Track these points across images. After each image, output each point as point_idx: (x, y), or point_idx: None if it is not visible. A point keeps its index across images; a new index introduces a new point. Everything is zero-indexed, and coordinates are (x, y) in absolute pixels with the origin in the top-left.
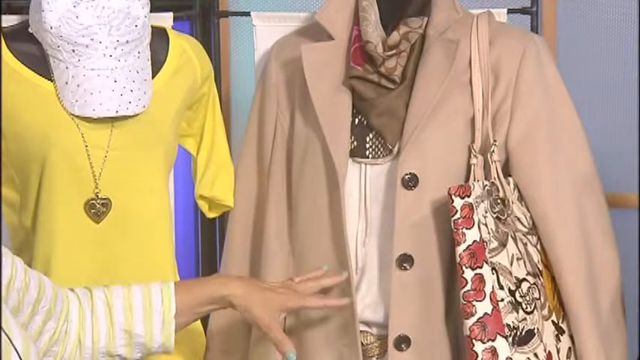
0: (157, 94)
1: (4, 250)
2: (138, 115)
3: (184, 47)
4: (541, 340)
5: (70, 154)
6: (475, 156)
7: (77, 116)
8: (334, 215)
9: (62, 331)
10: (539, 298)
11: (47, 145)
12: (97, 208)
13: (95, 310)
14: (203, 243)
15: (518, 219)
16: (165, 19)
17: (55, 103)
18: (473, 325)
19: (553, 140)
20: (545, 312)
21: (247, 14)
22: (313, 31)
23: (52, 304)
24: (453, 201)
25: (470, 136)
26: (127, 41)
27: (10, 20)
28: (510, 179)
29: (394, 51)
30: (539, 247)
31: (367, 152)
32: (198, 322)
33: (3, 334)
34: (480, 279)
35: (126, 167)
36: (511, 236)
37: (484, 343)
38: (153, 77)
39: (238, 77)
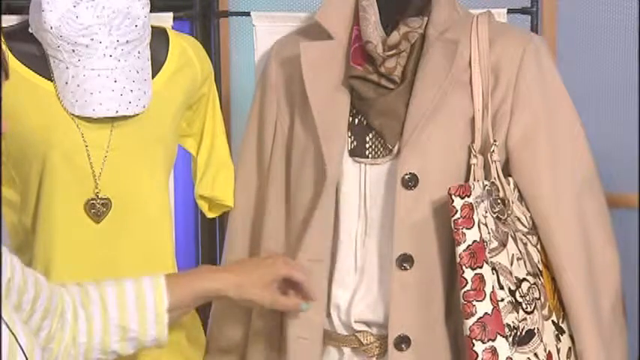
0: (157, 94)
1: (2, 249)
2: (138, 115)
3: (184, 47)
4: (541, 340)
5: (70, 154)
6: (475, 156)
7: (77, 116)
8: (323, 214)
9: (57, 328)
10: (540, 298)
11: (47, 145)
12: (97, 208)
13: (89, 307)
14: (203, 243)
15: (518, 219)
16: (166, 19)
17: (55, 103)
18: (473, 325)
19: (553, 140)
20: (546, 312)
21: (247, 14)
22: (313, 31)
23: (49, 302)
24: (453, 201)
25: (470, 136)
26: (127, 41)
27: (10, 20)
28: (510, 179)
29: (394, 51)
30: (539, 247)
31: (367, 152)
32: (199, 321)
33: (8, 331)
34: (480, 279)
35: (126, 167)
36: (511, 236)
37: (484, 343)
38: (153, 77)
39: (238, 77)
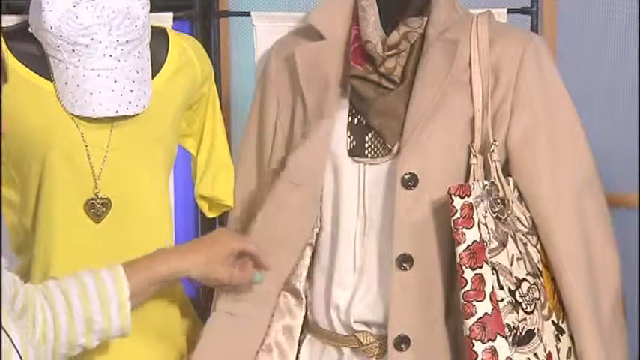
0: (157, 94)
1: None
2: (138, 115)
3: (184, 47)
4: (541, 340)
5: (69, 154)
6: (475, 156)
7: (77, 116)
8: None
9: (30, 327)
10: (539, 298)
11: (47, 145)
12: (97, 208)
13: (55, 306)
14: None
15: (518, 219)
16: (166, 19)
17: (55, 103)
18: (473, 325)
19: (553, 140)
20: (545, 312)
21: (247, 14)
22: (312, 31)
23: (25, 300)
24: (452, 201)
25: (470, 136)
26: (127, 41)
27: (10, 20)
28: (510, 179)
29: (394, 51)
30: (539, 247)
31: (366, 152)
32: (193, 311)
33: (5, 334)
34: (480, 279)
35: (126, 167)
36: (511, 236)
37: (484, 343)
38: (153, 77)
39: (238, 77)
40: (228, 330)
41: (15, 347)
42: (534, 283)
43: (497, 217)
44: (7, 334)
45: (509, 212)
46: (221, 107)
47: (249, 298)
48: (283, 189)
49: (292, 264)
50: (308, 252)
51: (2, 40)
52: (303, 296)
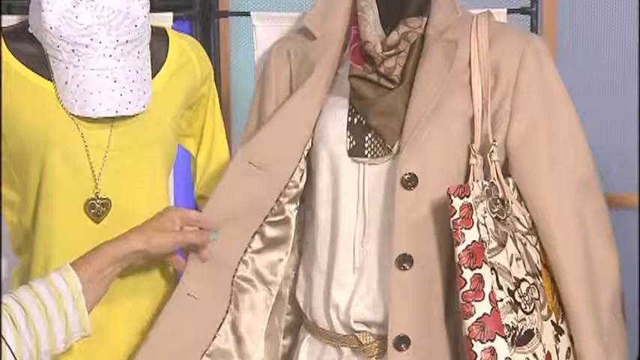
0: (156, 94)
1: None
2: (137, 115)
3: (184, 47)
4: (540, 341)
5: (69, 155)
6: (474, 156)
7: (77, 116)
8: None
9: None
10: (539, 299)
11: (47, 145)
12: (97, 208)
13: (16, 320)
14: None
15: (518, 219)
16: (166, 19)
17: (55, 103)
18: (472, 325)
19: (553, 140)
20: (545, 312)
21: (247, 14)
22: (309, 31)
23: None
24: (452, 201)
25: (469, 136)
26: (127, 41)
27: (10, 20)
28: (510, 179)
29: (393, 51)
30: (538, 247)
31: (366, 152)
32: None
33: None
34: (479, 279)
35: (125, 167)
36: (510, 236)
37: (483, 343)
38: (153, 77)
39: (238, 77)
40: (184, 314)
41: (10, 350)
42: (533, 284)
43: (496, 217)
44: (3, 339)
45: (508, 212)
46: (221, 107)
47: (204, 276)
48: (241, 170)
49: (245, 245)
50: (286, 248)
51: (2, 40)
52: (299, 297)
